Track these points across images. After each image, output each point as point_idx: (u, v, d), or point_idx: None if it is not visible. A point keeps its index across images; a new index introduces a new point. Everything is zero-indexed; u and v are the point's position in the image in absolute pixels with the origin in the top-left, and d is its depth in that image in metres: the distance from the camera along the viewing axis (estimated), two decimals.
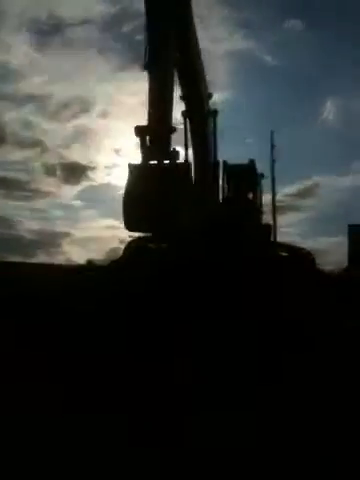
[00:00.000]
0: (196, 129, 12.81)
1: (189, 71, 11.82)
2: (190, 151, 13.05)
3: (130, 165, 9.05)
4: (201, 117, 12.95)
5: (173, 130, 9.37)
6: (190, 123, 12.91)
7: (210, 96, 13.42)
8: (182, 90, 12.34)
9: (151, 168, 8.84)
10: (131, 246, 11.72)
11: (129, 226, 8.87)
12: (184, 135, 12.70)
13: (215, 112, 13.40)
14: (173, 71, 9.89)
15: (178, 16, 9.93)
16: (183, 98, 12.63)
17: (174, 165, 8.83)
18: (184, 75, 11.73)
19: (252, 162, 14.44)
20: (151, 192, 8.50)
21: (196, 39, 12.03)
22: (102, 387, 5.83)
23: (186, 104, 12.68)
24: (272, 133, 15.06)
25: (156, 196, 8.46)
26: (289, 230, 31.78)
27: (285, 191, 44.49)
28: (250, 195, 14.71)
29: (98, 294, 9.45)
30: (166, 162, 8.95)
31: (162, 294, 8.55)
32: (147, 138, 9.08)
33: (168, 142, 8.97)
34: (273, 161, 14.79)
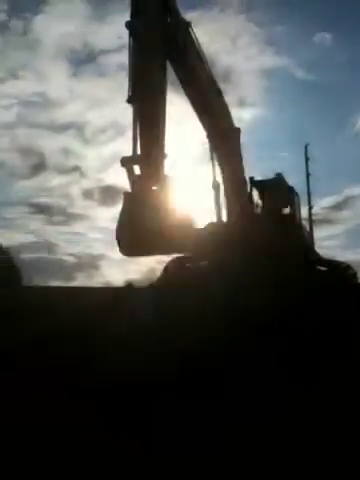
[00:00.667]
0: (220, 152, 12.63)
1: (205, 111, 11.52)
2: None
3: (124, 193, 9.32)
4: (226, 149, 12.68)
5: (164, 156, 9.50)
6: (213, 146, 12.72)
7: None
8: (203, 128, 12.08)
9: (140, 195, 9.05)
10: (169, 267, 11.85)
11: (123, 252, 9.06)
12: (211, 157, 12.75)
13: (238, 130, 13.06)
14: (163, 103, 9.73)
15: (167, 50, 9.82)
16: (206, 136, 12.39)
17: (160, 190, 9.02)
18: (200, 115, 11.62)
19: (280, 175, 14.20)
20: (140, 218, 8.70)
21: (208, 77, 11.46)
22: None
23: (209, 140, 12.50)
24: (306, 147, 14.94)
25: (145, 221, 8.69)
26: (327, 243, 31.25)
27: (321, 204, 43.91)
28: (285, 210, 14.48)
29: (141, 316, 9.61)
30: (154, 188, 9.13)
31: (204, 315, 8.62)
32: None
33: (157, 169, 9.17)
34: (308, 174, 14.64)
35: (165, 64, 9.81)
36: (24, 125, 61.32)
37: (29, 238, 66.01)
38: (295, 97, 55.20)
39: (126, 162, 9.40)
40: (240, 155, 12.94)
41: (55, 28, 58.70)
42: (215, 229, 12.15)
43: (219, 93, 11.99)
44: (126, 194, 9.35)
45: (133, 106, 9.51)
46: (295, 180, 14.88)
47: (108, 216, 69.09)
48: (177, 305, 9.55)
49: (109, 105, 67.22)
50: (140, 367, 7.30)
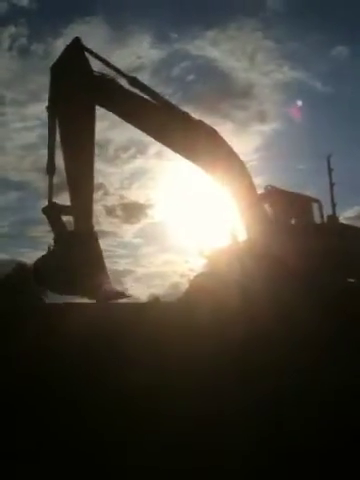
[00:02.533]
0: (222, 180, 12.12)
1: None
2: None
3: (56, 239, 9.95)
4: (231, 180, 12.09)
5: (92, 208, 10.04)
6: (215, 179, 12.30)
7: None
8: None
9: (71, 242, 9.72)
10: (195, 282, 11.81)
11: (53, 290, 9.85)
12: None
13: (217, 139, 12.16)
14: (92, 158, 10.14)
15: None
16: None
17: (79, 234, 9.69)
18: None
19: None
20: (64, 260, 9.37)
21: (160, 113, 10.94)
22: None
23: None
24: (329, 158, 14.80)
25: (67, 263, 9.38)
26: None
27: (345, 214, 43.47)
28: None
29: (168, 330, 9.56)
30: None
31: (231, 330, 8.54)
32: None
33: (88, 220, 9.93)
34: (332, 184, 14.45)
35: (93, 127, 10.03)
36: (46, 145, 62.35)
37: None
38: (313, 110, 55.08)
39: (44, 211, 9.92)
40: (241, 171, 12.20)
41: None
42: (239, 246, 12.05)
43: (186, 121, 11.36)
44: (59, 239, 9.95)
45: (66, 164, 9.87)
46: (314, 191, 14.72)
47: (132, 232, 69.69)
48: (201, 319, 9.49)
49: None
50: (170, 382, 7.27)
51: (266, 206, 12.86)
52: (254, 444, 4.85)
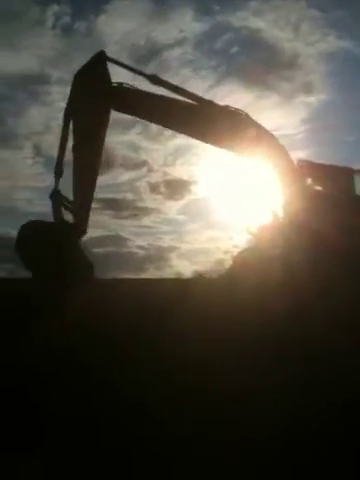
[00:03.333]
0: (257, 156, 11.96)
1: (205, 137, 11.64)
2: None
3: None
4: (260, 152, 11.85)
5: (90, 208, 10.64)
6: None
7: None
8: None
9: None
10: (238, 257, 11.88)
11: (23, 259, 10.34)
12: None
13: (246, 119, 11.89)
14: (100, 152, 10.78)
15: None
16: None
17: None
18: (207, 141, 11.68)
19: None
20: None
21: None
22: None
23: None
24: None
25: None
26: None
27: None
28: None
29: (212, 306, 9.73)
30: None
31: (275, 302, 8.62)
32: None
33: (85, 219, 10.55)
34: None
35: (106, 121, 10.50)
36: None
37: (100, 233, 68.49)
38: None
39: (56, 198, 10.53)
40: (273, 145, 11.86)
41: (117, 27, 60.02)
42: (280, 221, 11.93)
43: (209, 105, 11.29)
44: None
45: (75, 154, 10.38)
46: None
47: (176, 209, 69.98)
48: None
49: None
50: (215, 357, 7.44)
51: (308, 180, 12.60)
52: (292, 419, 4.94)
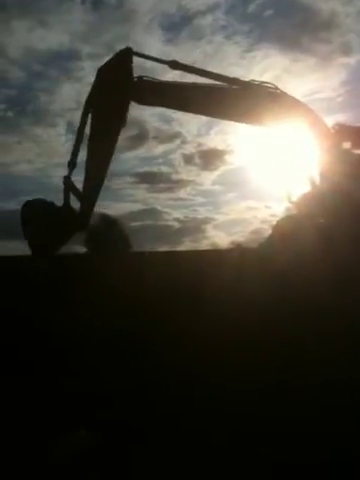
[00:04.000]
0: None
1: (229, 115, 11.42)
2: None
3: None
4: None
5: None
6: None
7: None
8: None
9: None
10: (280, 225, 11.51)
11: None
12: None
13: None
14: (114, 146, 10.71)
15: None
16: None
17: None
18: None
19: None
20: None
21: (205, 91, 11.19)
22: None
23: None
24: None
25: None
26: None
27: None
28: None
29: (251, 276, 9.50)
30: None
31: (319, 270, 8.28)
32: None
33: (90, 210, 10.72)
34: None
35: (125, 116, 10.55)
36: None
37: (136, 207, 68.94)
38: None
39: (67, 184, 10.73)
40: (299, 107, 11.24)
41: None
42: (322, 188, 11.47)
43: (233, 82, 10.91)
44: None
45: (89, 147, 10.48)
46: None
47: (211, 179, 69.45)
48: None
49: (206, 67, 66.53)
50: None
51: (345, 145, 12.00)
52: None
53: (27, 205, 10.57)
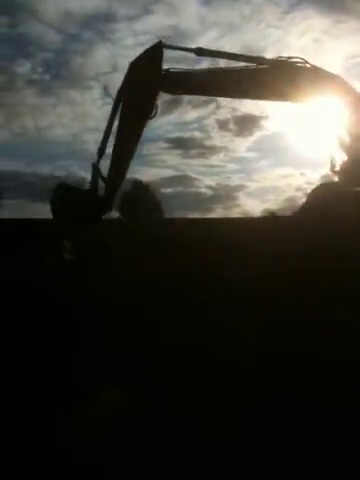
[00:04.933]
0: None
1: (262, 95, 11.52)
2: None
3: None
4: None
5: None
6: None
7: None
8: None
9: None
10: (316, 192, 11.12)
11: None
12: None
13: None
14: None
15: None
16: None
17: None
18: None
19: None
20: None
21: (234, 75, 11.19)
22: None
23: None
24: None
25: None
26: None
27: None
28: None
29: (284, 246, 9.26)
30: None
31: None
32: None
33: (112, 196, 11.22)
34: None
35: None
36: None
37: (168, 173, 68.62)
38: None
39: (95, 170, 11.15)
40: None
41: None
42: None
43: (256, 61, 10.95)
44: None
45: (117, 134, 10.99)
46: None
47: (245, 145, 68.13)
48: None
49: (242, 31, 64.48)
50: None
51: None
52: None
53: (55, 191, 11.22)
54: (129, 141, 11.00)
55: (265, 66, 10.65)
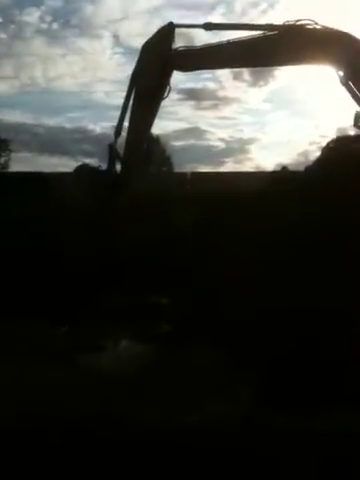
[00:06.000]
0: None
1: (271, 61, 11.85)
2: None
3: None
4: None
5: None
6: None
7: None
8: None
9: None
10: (331, 146, 10.73)
11: None
12: None
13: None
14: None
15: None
16: None
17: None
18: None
19: None
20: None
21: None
22: None
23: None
24: None
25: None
26: None
27: None
28: None
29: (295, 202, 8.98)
30: None
31: None
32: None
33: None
34: None
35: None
36: (171, 7, 59.51)
37: (179, 125, 67.21)
38: None
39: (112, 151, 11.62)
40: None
41: None
42: None
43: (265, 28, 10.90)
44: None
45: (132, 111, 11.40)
46: None
47: (259, 97, 66.17)
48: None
49: None
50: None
51: None
52: None
53: (76, 173, 11.75)
54: (143, 123, 11.43)
55: (275, 32, 10.59)
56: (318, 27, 10.43)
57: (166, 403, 4.32)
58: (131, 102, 11.43)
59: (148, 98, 11.24)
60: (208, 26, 11.18)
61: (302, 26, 10.51)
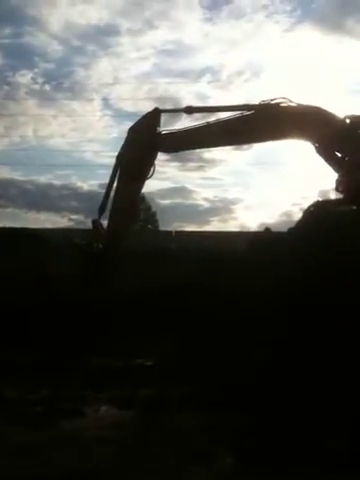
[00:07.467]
0: None
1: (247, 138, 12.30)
2: None
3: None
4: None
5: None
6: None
7: None
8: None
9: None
10: (311, 210, 10.98)
11: None
12: None
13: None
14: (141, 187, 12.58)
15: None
16: None
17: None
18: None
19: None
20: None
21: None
22: None
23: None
24: None
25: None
26: None
27: None
28: None
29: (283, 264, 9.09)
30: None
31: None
32: None
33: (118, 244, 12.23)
34: None
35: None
36: (160, 74, 62.54)
37: (166, 185, 68.79)
38: None
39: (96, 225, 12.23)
40: None
41: None
42: None
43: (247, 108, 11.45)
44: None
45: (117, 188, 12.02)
46: None
47: (244, 160, 68.26)
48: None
49: (245, 47, 65.14)
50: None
51: None
52: None
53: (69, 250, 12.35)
54: (128, 201, 11.94)
55: (252, 112, 11.08)
56: (292, 104, 10.87)
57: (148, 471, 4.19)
58: (116, 182, 11.88)
59: (134, 178, 11.67)
60: (189, 110, 11.83)
61: (277, 105, 10.91)
